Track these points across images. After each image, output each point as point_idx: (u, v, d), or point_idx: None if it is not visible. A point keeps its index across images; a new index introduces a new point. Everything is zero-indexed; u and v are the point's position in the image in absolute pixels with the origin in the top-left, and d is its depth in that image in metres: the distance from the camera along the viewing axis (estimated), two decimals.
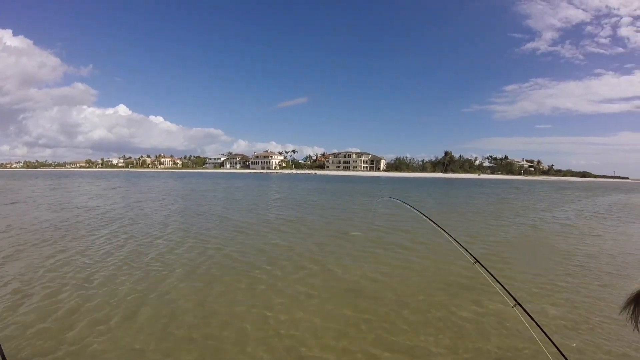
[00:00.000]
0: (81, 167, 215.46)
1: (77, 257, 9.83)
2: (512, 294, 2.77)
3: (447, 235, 3.47)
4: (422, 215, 4.00)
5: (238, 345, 5.21)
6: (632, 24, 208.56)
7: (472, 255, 3.03)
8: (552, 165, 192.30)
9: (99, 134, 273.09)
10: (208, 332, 5.57)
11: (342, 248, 11.71)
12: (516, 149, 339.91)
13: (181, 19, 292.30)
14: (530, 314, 2.71)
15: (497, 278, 2.82)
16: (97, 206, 22.12)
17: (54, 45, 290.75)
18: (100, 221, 16.06)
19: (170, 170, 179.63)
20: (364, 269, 9.32)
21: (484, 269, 2.90)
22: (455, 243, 3.33)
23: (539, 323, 2.62)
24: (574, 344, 5.34)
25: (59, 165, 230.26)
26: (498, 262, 10.02)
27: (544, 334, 2.59)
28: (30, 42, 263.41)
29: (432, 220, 3.81)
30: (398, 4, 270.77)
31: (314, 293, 7.51)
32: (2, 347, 2.04)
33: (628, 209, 28.53)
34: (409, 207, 4.38)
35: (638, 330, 0.90)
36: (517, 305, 2.71)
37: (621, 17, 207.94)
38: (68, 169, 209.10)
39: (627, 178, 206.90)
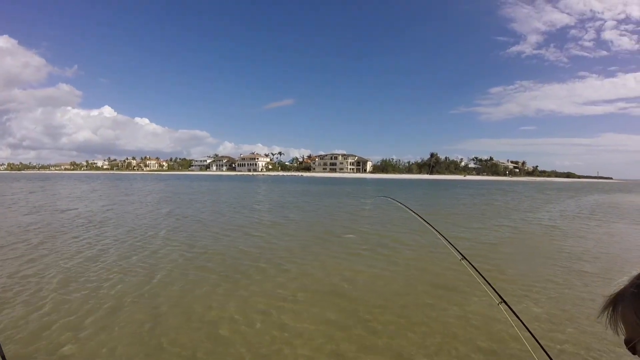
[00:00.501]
0: (65, 169, 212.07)
1: (40, 261, 9.54)
2: (498, 292, 2.76)
3: (436, 233, 3.45)
4: (412, 213, 3.98)
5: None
6: (615, 27, 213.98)
7: (459, 251, 3.01)
8: (537, 166, 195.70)
9: (83, 135, 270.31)
10: (158, 343, 5.39)
11: (323, 252, 11.65)
12: (501, 150, 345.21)
13: (168, 20, 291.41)
14: (516, 312, 2.69)
15: (483, 275, 2.80)
16: (74, 209, 21.68)
17: (39, 45, 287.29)
18: (72, 225, 15.68)
19: (155, 172, 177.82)
20: (344, 271, 9.28)
21: (470, 265, 2.89)
22: (443, 240, 3.31)
23: (523, 321, 2.60)
24: (558, 346, 5.37)
25: (43, 167, 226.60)
26: (481, 264, 10.05)
27: (528, 332, 2.58)
28: (14, 41, 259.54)
29: (420, 217, 3.79)
30: (385, 7, 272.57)
31: (290, 299, 7.44)
32: (2, 347, 1.97)
33: (612, 208, 29.03)
34: (403, 207, 4.37)
35: (617, 333, 0.90)
36: (503, 303, 2.69)
37: (605, 21, 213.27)
38: (52, 171, 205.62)
39: (611, 178, 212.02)
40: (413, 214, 3.89)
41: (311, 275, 8.81)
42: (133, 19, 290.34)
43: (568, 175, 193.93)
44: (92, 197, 31.83)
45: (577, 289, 8.05)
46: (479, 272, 2.81)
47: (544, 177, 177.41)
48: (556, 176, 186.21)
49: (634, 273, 0.89)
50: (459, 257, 2.99)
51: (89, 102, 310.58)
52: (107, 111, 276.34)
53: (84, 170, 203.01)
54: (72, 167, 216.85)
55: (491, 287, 2.77)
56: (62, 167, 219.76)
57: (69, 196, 32.26)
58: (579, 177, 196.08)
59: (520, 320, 2.59)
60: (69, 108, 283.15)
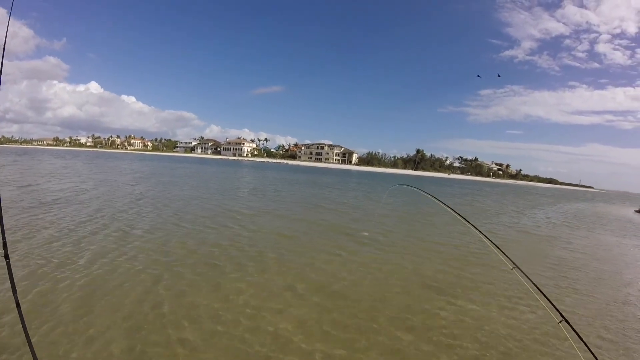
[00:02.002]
0: (48, 144, 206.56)
1: None
2: (558, 309, 2.41)
3: (484, 238, 3.10)
4: (445, 206, 3.62)
5: None
6: (610, 41, 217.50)
7: (511, 260, 2.66)
8: (520, 169, 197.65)
9: (68, 111, 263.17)
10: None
11: (312, 245, 11.33)
12: (487, 151, 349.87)
13: (160, 1, 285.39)
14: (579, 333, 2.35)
15: (540, 288, 2.45)
16: (36, 185, 20.33)
17: (28, 15, 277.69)
18: (26, 202, 14.35)
19: (139, 152, 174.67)
20: (337, 271, 8.97)
21: (525, 276, 2.54)
22: (492, 246, 2.96)
23: (587, 344, 2.26)
24: None
25: (25, 142, 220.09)
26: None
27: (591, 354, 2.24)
28: (3, 11, 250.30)
29: (458, 214, 3.43)
30: (381, 1, 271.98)
31: (282, 300, 7.10)
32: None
33: (598, 218, 29.35)
34: (431, 197, 4.00)
35: None
36: (564, 321, 2.34)
37: (600, 34, 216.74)
38: (34, 146, 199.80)
39: (592, 187, 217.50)
40: (451, 210, 3.53)
41: (302, 273, 8.50)
42: None
43: (550, 181, 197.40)
44: (66, 173, 30.20)
45: (570, 301, 7.88)
46: (535, 285, 2.46)
47: (526, 181, 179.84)
48: (539, 181, 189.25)
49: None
50: (511, 265, 2.63)
51: (75, 77, 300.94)
52: (94, 87, 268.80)
53: (67, 146, 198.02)
54: (55, 142, 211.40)
55: (551, 303, 2.42)
56: (44, 142, 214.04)
57: (41, 172, 30.10)
58: (561, 183, 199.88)
59: (584, 343, 2.25)
60: (55, 82, 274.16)
